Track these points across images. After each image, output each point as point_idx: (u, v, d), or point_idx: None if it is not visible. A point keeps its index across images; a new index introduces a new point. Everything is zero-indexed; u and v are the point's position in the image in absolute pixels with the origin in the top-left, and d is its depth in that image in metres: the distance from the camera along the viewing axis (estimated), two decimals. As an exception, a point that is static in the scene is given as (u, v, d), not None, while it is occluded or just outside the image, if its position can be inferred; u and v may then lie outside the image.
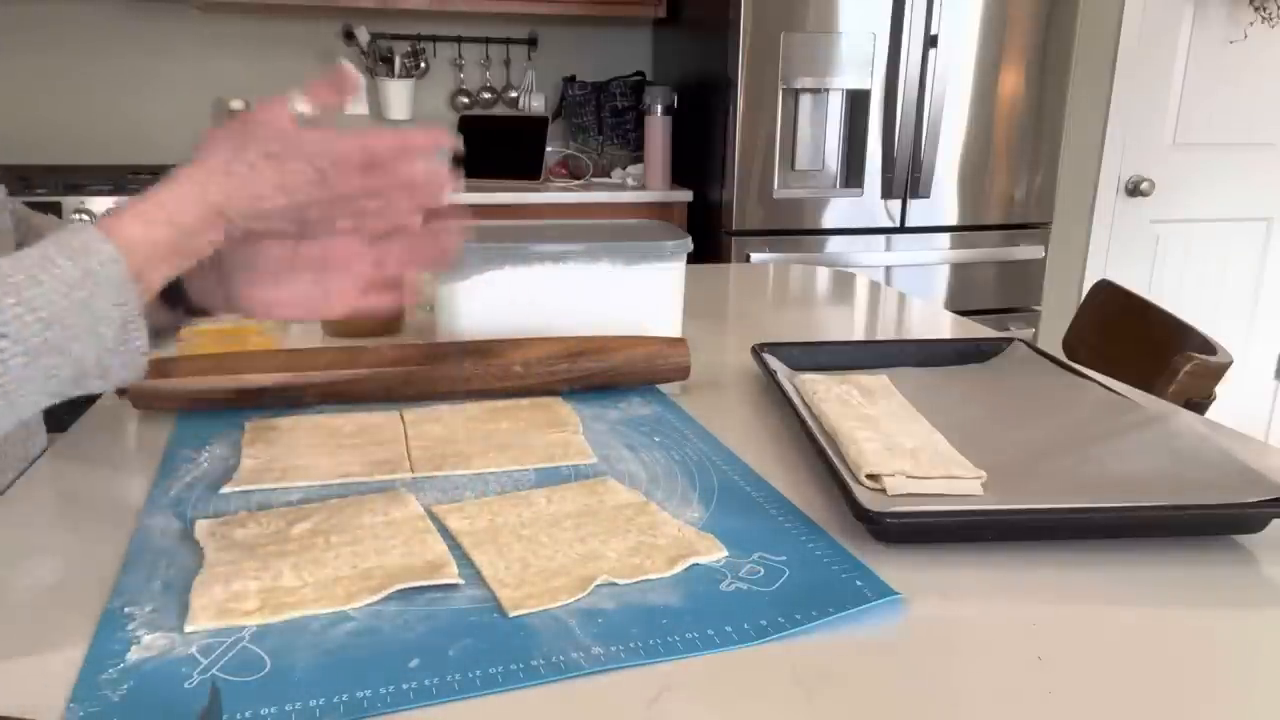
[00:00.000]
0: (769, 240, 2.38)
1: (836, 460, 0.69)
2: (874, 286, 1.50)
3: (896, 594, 0.55)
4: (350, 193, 0.58)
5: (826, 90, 2.31)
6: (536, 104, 2.89)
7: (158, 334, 0.73)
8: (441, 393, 0.88)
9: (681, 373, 0.93)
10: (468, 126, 2.75)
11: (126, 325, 0.54)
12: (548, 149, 2.66)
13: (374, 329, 1.11)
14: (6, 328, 0.49)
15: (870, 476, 0.67)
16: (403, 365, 0.87)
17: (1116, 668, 0.49)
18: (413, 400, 0.88)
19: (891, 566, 0.58)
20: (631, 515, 0.64)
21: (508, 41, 2.84)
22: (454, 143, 0.60)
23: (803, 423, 0.76)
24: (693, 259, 1.16)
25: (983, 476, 0.68)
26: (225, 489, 0.69)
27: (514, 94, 2.88)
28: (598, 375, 0.91)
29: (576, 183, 2.69)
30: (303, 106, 0.67)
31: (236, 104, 2.64)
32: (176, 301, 0.68)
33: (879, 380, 0.89)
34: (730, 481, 0.71)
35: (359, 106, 2.82)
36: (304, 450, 0.75)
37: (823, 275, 1.60)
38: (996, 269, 2.53)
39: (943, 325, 1.28)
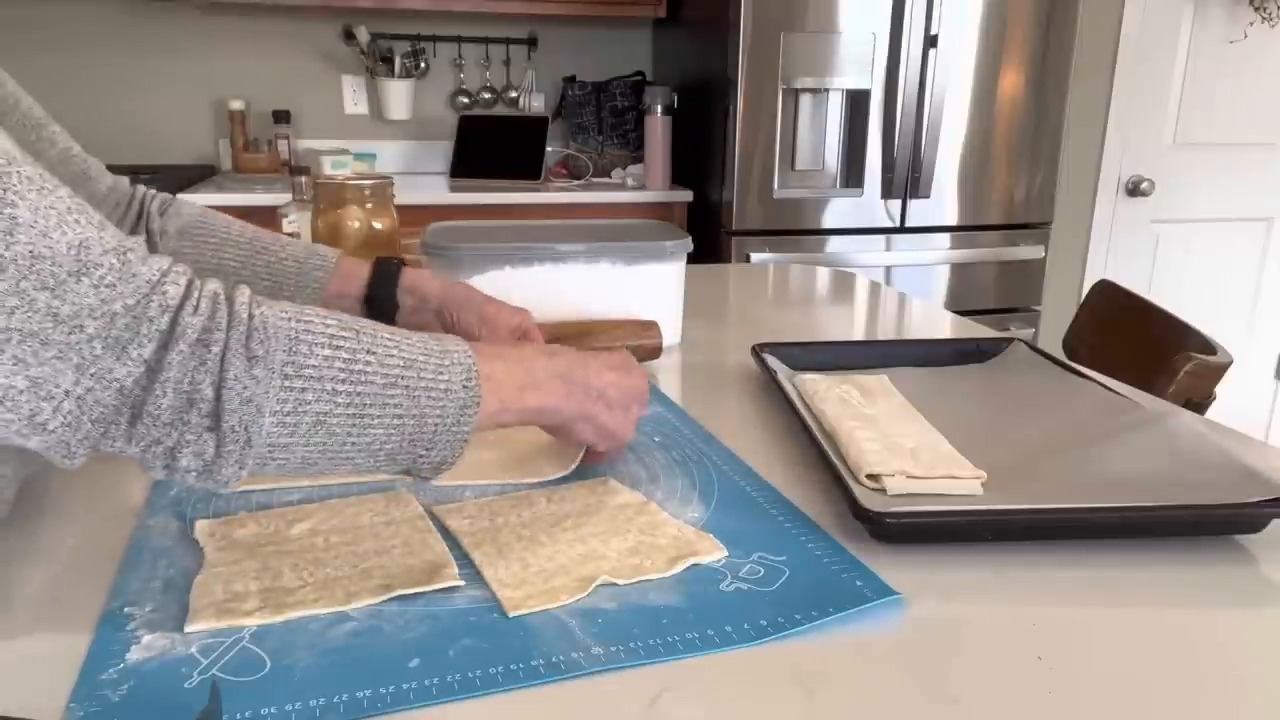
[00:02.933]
0: (769, 240, 2.38)
1: (836, 460, 0.69)
2: (874, 286, 1.50)
3: (896, 594, 0.55)
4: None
5: (826, 90, 2.31)
6: (536, 104, 2.89)
7: None
8: None
9: (653, 353, 0.99)
10: (468, 126, 2.75)
11: (464, 409, 0.55)
12: (548, 149, 2.66)
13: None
14: (375, 350, 0.52)
15: (870, 476, 0.67)
16: None
17: (1116, 668, 0.49)
18: None
19: (891, 566, 0.58)
20: (631, 515, 0.64)
21: (508, 41, 2.84)
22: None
23: (803, 423, 0.76)
24: (693, 259, 1.16)
25: (983, 476, 0.68)
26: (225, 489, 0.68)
27: (514, 94, 2.88)
28: None
29: (576, 183, 2.69)
30: None
31: (236, 104, 2.64)
32: (376, 311, 0.84)
33: (879, 380, 0.89)
34: (730, 481, 0.71)
35: (359, 106, 2.82)
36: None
37: (823, 275, 1.60)
38: (996, 269, 2.53)
39: (943, 325, 1.28)
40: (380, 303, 0.86)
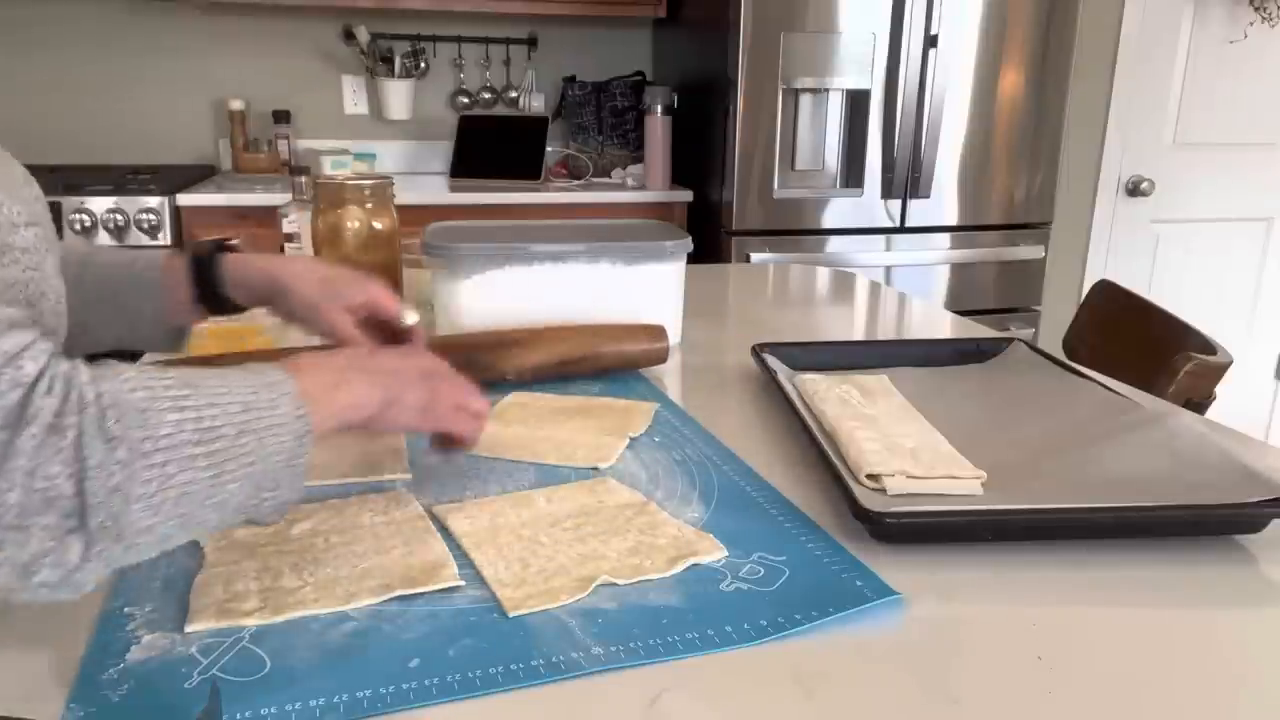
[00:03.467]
0: (769, 240, 2.38)
1: (836, 460, 0.69)
2: (874, 286, 1.50)
3: (896, 594, 0.55)
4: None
5: (826, 90, 2.31)
6: (536, 104, 2.89)
7: (179, 335, 0.80)
8: None
9: (659, 357, 0.99)
10: (468, 126, 2.75)
11: (301, 438, 0.51)
12: (548, 149, 2.66)
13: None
14: (216, 402, 0.47)
15: (870, 476, 0.67)
16: None
17: (1116, 668, 0.49)
18: None
19: (891, 566, 0.58)
20: (631, 515, 0.64)
21: (508, 41, 2.84)
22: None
23: (803, 423, 0.76)
24: (693, 259, 1.16)
25: (983, 476, 0.68)
26: (225, 489, 0.68)
27: (514, 94, 2.88)
28: (585, 370, 0.96)
29: (576, 183, 2.69)
30: (411, 318, 0.79)
31: (236, 104, 2.64)
32: (216, 306, 0.77)
33: (879, 380, 0.89)
34: (730, 481, 0.71)
35: (359, 106, 2.82)
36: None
37: (823, 275, 1.60)
38: (996, 269, 2.53)
39: (943, 325, 1.28)
40: (214, 304, 0.78)
